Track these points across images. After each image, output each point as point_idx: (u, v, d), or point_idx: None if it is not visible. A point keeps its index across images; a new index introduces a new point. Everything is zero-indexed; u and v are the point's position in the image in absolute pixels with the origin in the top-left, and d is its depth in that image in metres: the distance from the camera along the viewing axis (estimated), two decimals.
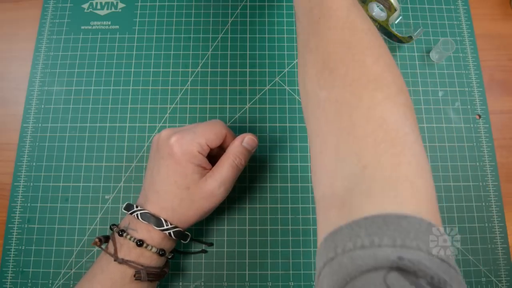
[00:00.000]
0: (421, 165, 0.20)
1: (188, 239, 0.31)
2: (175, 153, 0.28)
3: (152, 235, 0.28)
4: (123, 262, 0.27)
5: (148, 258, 0.28)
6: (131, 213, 0.29)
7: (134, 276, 0.27)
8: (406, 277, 0.15)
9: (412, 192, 0.18)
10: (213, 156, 0.32)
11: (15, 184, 0.38)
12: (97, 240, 0.30)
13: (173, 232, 0.28)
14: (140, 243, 0.28)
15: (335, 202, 0.20)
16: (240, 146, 0.31)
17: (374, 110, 0.21)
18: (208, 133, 0.30)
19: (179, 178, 0.29)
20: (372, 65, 0.22)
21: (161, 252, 0.28)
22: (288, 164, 0.38)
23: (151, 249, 0.28)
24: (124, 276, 0.28)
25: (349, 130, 0.21)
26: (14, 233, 0.36)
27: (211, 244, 0.36)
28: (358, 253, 0.17)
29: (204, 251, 0.36)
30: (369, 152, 0.20)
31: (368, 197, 0.19)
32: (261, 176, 0.38)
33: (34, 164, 0.38)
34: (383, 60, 0.23)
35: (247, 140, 0.31)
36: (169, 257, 0.31)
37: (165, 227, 0.28)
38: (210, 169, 0.30)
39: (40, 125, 0.39)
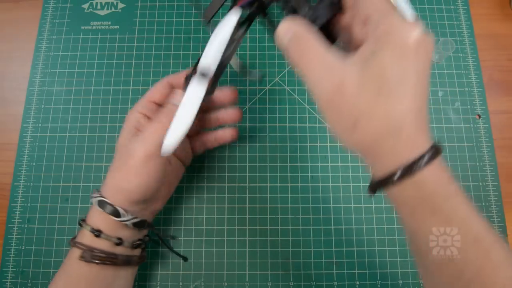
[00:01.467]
0: None
1: (146, 226, 0.30)
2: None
3: (92, 214, 0.29)
4: (74, 244, 0.28)
5: (89, 236, 0.28)
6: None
7: (81, 257, 0.27)
8: None
9: None
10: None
11: (15, 184, 0.38)
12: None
13: (107, 208, 0.27)
14: (80, 220, 0.29)
15: None
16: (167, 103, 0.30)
17: None
18: (148, 93, 0.31)
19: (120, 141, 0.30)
20: None
21: (96, 233, 0.27)
22: (288, 164, 0.38)
23: (87, 227, 0.28)
24: (72, 256, 0.28)
25: None
26: (14, 233, 0.36)
27: (185, 259, 0.35)
28: None
29: (185, 259, 0.35)
30: None
31: None
32: (261, 176, 0.38)
33: (34, 164, 0.38)
34: None
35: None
36: (119, 238, 0.29)
37: (95, 197, 0.28)
38: None
39: (40, 125, 0.39)
